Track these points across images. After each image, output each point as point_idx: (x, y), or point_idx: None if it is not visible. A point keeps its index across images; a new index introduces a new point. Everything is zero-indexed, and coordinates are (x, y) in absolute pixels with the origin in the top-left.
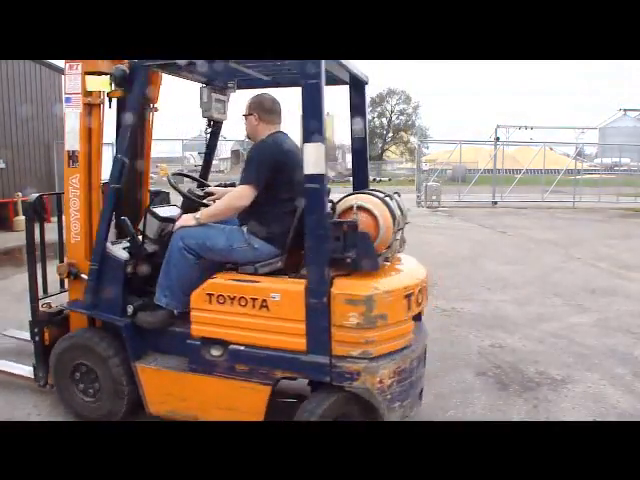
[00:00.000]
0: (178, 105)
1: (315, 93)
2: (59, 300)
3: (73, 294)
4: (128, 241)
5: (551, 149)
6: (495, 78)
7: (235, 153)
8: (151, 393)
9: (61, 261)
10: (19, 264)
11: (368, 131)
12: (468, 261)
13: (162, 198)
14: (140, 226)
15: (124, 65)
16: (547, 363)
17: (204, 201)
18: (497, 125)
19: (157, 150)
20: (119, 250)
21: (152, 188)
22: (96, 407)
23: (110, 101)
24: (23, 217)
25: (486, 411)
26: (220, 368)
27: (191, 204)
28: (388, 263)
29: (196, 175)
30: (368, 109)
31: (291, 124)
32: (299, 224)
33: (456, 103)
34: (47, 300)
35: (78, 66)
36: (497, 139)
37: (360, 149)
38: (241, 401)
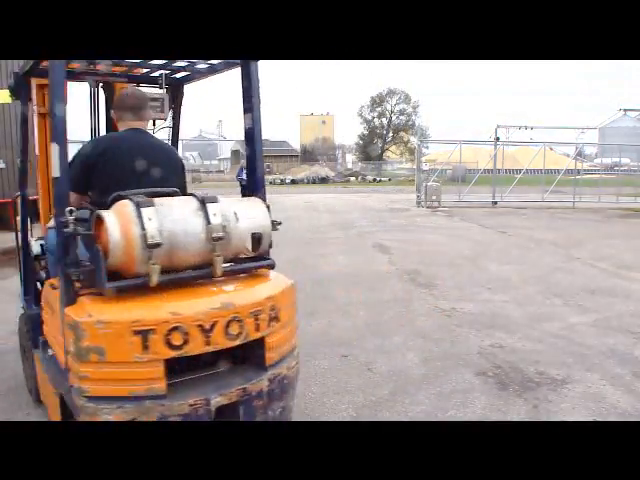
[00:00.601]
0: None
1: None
2: None
3: None
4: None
5: (551, 149)
6: (495, 78)
7: (235, 153)
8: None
9: None
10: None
11: (260, 118)
12: (468, 261)
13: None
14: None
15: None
16: (547, 363)
17: None
18: (497, 125)
19: None
20: (36, 245)
21: None
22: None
23: None
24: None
25: (486, 411)
26: None
27: None
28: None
29: None
30: (367, 109)
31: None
32: None
33: (456, 103)
34: None
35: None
36: (497, 139)
37: (250, 140)
38: None
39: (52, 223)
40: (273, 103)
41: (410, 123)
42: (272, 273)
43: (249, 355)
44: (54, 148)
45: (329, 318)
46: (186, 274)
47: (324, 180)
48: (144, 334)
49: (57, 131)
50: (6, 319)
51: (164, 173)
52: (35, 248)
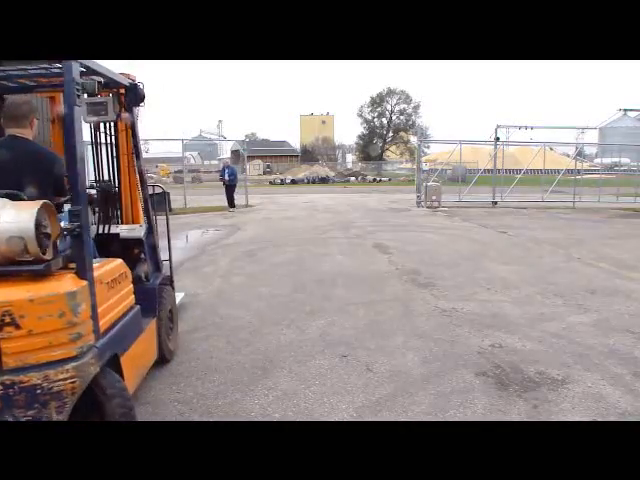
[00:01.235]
0: (178, 105)
1: None
2: None
3: None
4: None
5: (551, 149)
6: (495, 78)
7: (235, 153)
8: None
9: None
10: None
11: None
12: (468, 261)
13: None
14: None
15: None
16: (547, 363)
17: None
18: (497, 125)
19: (157, 150)
20: None
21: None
22: None
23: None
24: None
25: (486, 411)
26: None
27: None
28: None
29: None
30: (367, 109)
31: None
32: None
33: (456, 103)
34: None
35: None
36: (497, 139)
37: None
38: None
39: None
40: (273, 103)
41: (410, 123)
42: (66, 284)
43: None
44: None
45: (329, 318)
46: None
47: (324, 180)
48: None
49: None
50: None
51: (15, 178)
52: None
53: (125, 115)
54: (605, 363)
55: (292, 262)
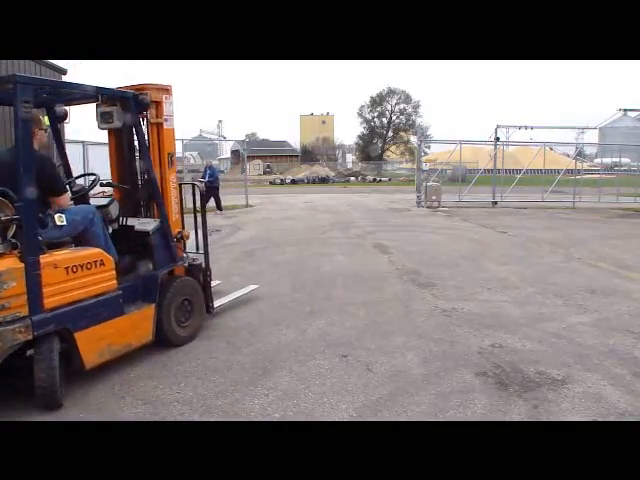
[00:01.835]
0: (178, 105)
1: None
2: None
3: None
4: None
5: (551, 149)
6: (495, 78)
7: (235, 153)
8: None
9: None
10: None
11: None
12: (468, 261)
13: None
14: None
15: None
16: (547, 363)
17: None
18: (497, 125)
19: None
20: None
21: None
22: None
23: None
24: None
25: (486, 411)
26: None
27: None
28: None
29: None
30: (367, 109)
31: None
32: None
33: (456, 103)
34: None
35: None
36: (497, 139)
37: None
38: None
39: None
40: (273, 103)
41: (410, 123)
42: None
43: None
44: None
45: (329, 318)
46: None
47: (324, 180)
48: None
49: None
50: None
51: (10, 181)
52: None
53: (131, 121)
54: (605, 363)
55: (292, 262)
